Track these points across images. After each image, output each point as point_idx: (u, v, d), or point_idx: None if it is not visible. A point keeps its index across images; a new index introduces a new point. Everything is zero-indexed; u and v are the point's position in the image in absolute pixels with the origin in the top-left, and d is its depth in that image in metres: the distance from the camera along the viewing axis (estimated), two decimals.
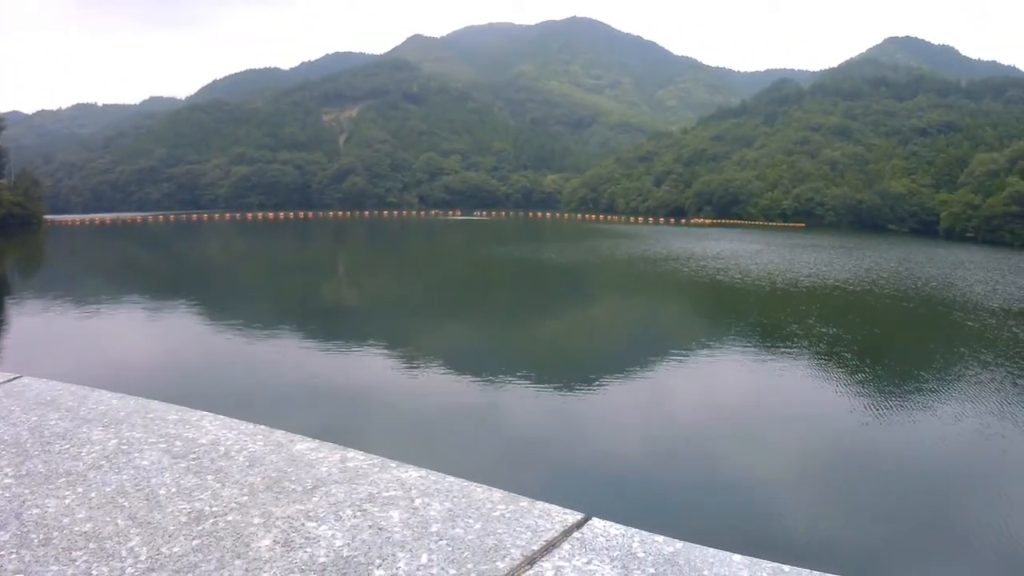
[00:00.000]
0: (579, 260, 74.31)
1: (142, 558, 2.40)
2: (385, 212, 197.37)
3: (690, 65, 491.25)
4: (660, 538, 2.64)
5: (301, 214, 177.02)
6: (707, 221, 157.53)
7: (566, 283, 59.30)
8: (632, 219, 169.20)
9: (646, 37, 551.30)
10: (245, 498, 2.89)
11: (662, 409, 23.63)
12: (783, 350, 32.58)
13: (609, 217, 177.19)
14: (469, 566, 2.40)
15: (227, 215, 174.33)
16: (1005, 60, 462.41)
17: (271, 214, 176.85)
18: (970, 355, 31.71)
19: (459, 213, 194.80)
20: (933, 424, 21.95)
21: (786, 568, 2.42)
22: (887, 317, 43.89)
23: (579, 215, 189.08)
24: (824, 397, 24.86)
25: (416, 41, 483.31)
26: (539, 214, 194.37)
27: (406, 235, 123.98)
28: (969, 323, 40.18)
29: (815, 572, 2.40)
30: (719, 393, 26.05)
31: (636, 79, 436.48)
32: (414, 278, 64.99)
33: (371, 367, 28.13)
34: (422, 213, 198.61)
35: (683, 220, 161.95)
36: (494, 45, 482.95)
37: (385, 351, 31.07)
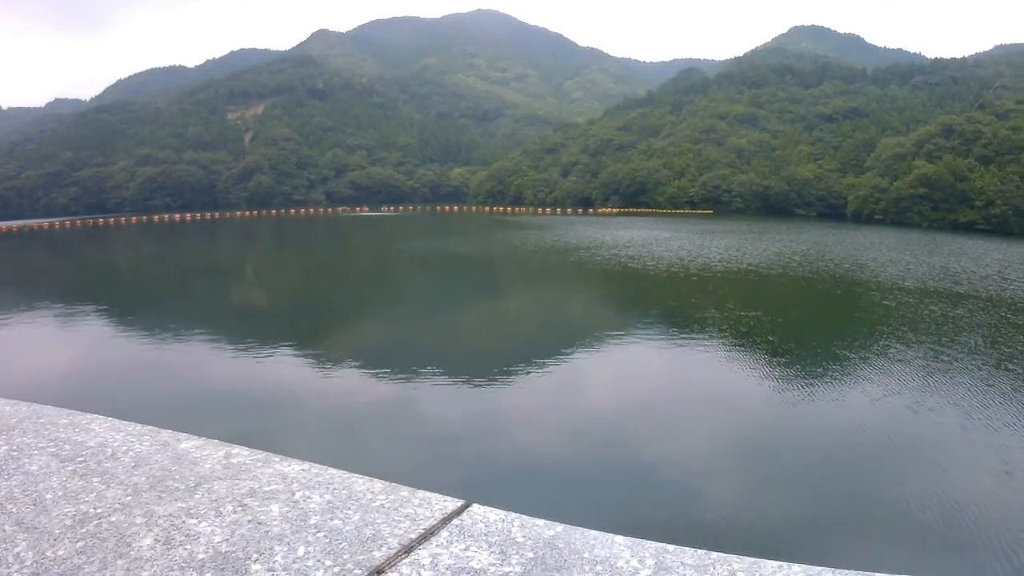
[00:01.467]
0: (489, 252, 74.09)
1: (27, 563, 2.41)
2: (292, 210, 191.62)
3: (596, 56, 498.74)
4: (541, 522, 2.72)
5: (208, 215, 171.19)
6: (615, 210, 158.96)
7: (478, 276, 58.68)
8: (540, 210, 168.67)
9: (552, 29, 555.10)
10: (129, 498, 2.94)
11: (576, 398, 23.62)
12: (702, 335, 32.99)
13: (517, 209, 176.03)
14: (346, 556, 2.46)
15: (133, 218, 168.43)
16: (912, 47, 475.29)
17: (177, 216, 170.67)
18: (892, 333, 32.52)
19: (366, 209, 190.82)
20: (862, 401, 22.50)
21: (670, 548, 2.49)
22: (804, 299, 44.88)
23: (486, 207, 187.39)
24: (746, 380, 25.18)
25: (321, 36, 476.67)
26: (447, 208, 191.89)
27: (313, 233, 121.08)
28: (887, 303, 41.01)
29: (706, 551, 2.46)
30: (639, 380, 26.13)
31: (542, 71, 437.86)
32: (322, 277, 63.04)
33: (276, 366, 27.89)
34: (329, 210, 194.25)
35: (591, 210, 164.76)
36: (400, 39, 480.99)
37: (292, 350, 30.75)
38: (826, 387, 24.32)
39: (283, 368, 27.53)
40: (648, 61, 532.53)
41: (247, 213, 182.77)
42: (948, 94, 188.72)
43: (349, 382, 25.62)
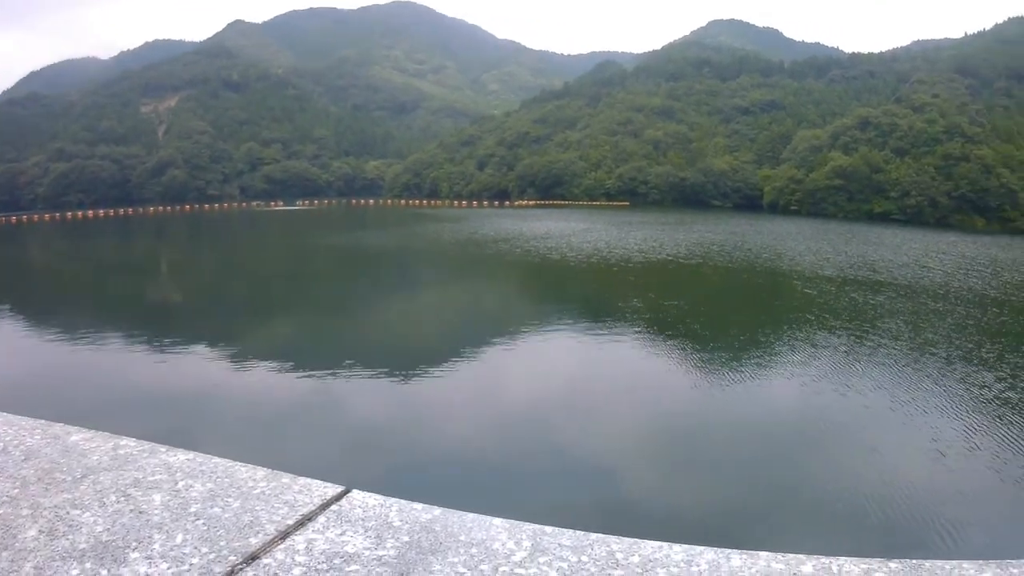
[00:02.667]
0: (406, 245, 72.91)
1: None
2: (206, 205, 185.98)
3: (514, 48, 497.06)
4: (419, 506, 2.81)
5: (121, 211, 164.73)
6: (531, 202, 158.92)
7: (395, 270, 57.03)
8: (456, 203, 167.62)
9: (470, 21, 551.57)
10: (16, 491, 2.96)
11: (493, 390, 23.57)
12: (625, 325, 32.83)
13: (433, 202, 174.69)
14: (222, 543, 2.51)
15: (47, 216, 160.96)
16: (830, 42, 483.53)
17: (91, 212, 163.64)
18: (815, 321, 33.03)
19: (281, 203, 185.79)
20: (791, 387, 22.94)
21: (548, 529, 2.58)
22: (726, 288, 44.87)
23: (402, 201, 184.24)
24: (670, 368, 25.35)
25: (237, 27, 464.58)
26: (362, 201, 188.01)
27: (228, 228, 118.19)
28: (808, 291, 41.54)
29: (584, 532, 2.55)
30: (558, 371, 25.85)
31: (459, 63, 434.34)
32: (235, 273, 60.34)
33: (183, 362, 27.25)
34: (244, 204, 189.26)
35: (507, 203, 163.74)
36: (316, 30, 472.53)
37: (201, 347, 29.94)
38: (754, 374, 24.32)
39: (190, 364, 26.90)
40: (566, 54, 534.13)
41: (161, 209, 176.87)
42: (865, 88, 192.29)
43: (256, 377, 24.89)
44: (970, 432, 18.91)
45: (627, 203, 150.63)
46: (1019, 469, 16.69)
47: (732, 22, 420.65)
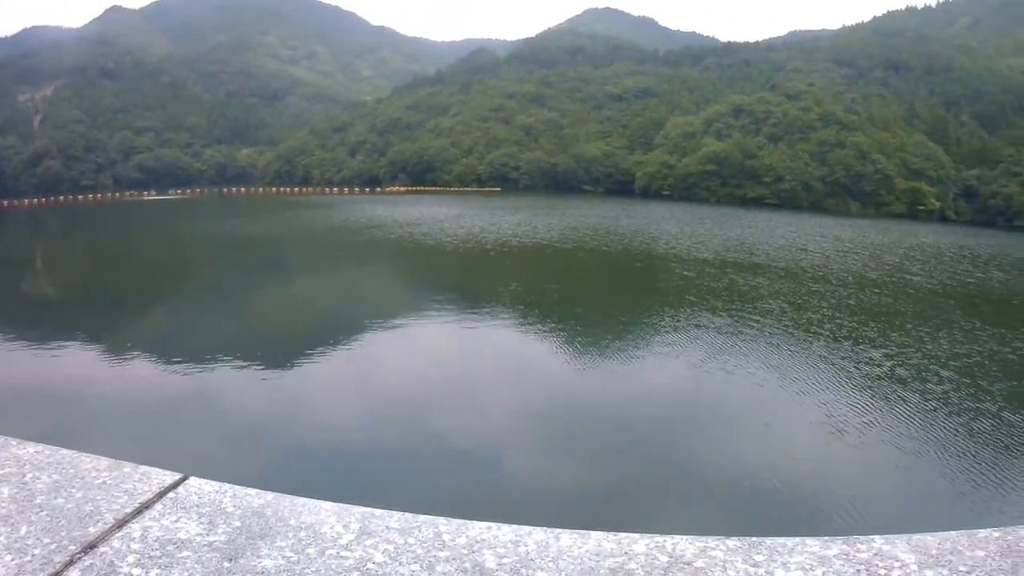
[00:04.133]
0: (279, 233, 70.81)
1: None
2: (80, 196, 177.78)
3: (388, 35, 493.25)
4: (253, 491, 2.88)
5: None
6: (402, 188, 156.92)
7: (268, 258, 54.81)
8: (328, 190, 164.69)
9: (344, 7, 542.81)
10: None
11: (364, 377, 22.80)
12: (504, 309, 32.41)
13: (304, 189, 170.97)
14: (63, 534, 2.54)
15: None
16: (706, 31, 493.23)
17: None
18: (699, 303, 32.89)
19: (153, 193, 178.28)
20: (681, 368, 22.72)
21: (377, 512, 2.66)
22: (605, 272, 44.87)
23: (273, 188, 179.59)
24: (552, 353, 24.86)
25: (115, 13, 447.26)
26: (234, 189, 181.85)
27: (100, 219, 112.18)
28: (688, 273, 41.51)
29: (413, 515, 2.65)
30: (435, 357, 25.16)
31: (333, 49, 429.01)
32: (105, 265, 56.24)
33: (52, 356, 25.61)
34: (117, 195, 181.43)
35: (378, 189, 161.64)
36: (192, 16, 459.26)
37: (71, 341, 27.96)
38: (640, 356, 24.29)
39: (52, 357, 25.39)
40: (440, 41, 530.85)
41: (35, 201, 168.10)
42: (740, 76, 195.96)
43: (117, 368, 23.58)
44: (864, 407, 19.11)
45: (498, 189, 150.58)
46: (914, 443, 16.95)
47: (607, 11, 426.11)
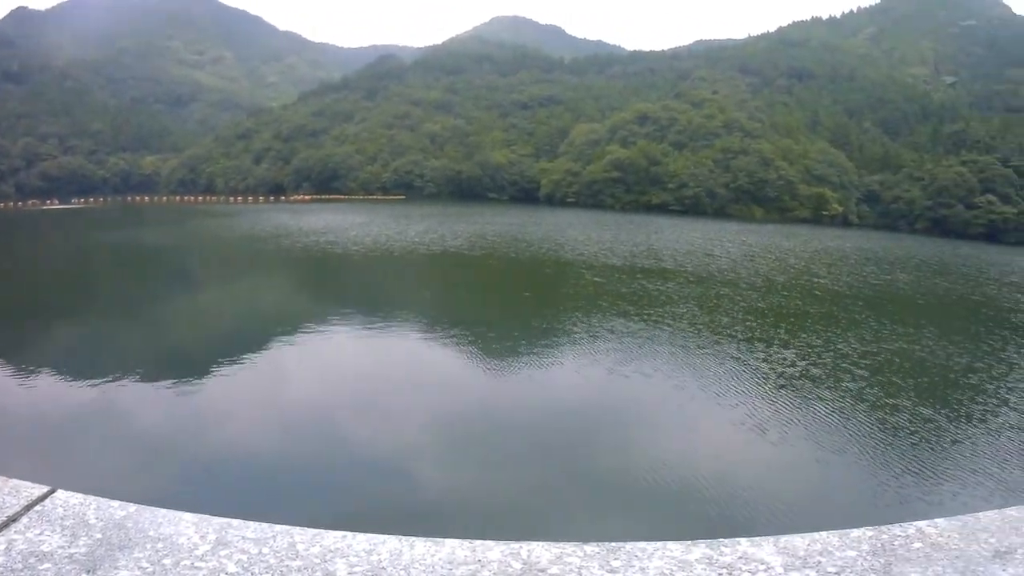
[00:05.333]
0: (182, 243, 68.24)
1: None
2: None
3: (294, 40, 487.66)
4: (116, 503, 2.88)
5: None
6: (307, 197, 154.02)
7: (173, 268, 52.68)
8: (232, 198, 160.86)
9: (252, 11, 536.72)
10: None
11: (261, 388, 22.06)
12: (413, 318, 32.14)
13: (208, 198, 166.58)
14: None
15: None
16: (612, 40, 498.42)
17: None
18: (610, 308, 32.78)
19: (56, 202, 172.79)
20: (598, 372, 22.44)
21: (235, 522, 2.68)
22: (516, 278, 44.67)
23: (178, 197, 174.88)
24: (464, 360, 24.71)
25: (20, 15, 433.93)
26: (138, 198, 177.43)
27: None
28: (598, 279, 41.59)
29: (269, 524, 2.67)
30: (342, 368, 24.78)
31: (239, 54, 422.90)
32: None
33: None
34: (19, 204, 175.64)
35: (282, 197, 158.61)
36: (100, 19, 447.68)
37: None
38: (554, 362, 23.99)
39: None
40: (347, 47, 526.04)
41: None
42: (645, 84, 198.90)
43: (5, 383, 22.44)
44: (781, 406, 19.42)
45: (403, 196, 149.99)
46: (831, 439, 17.14)
47: (515, 19, 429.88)
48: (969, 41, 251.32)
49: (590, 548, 2.32)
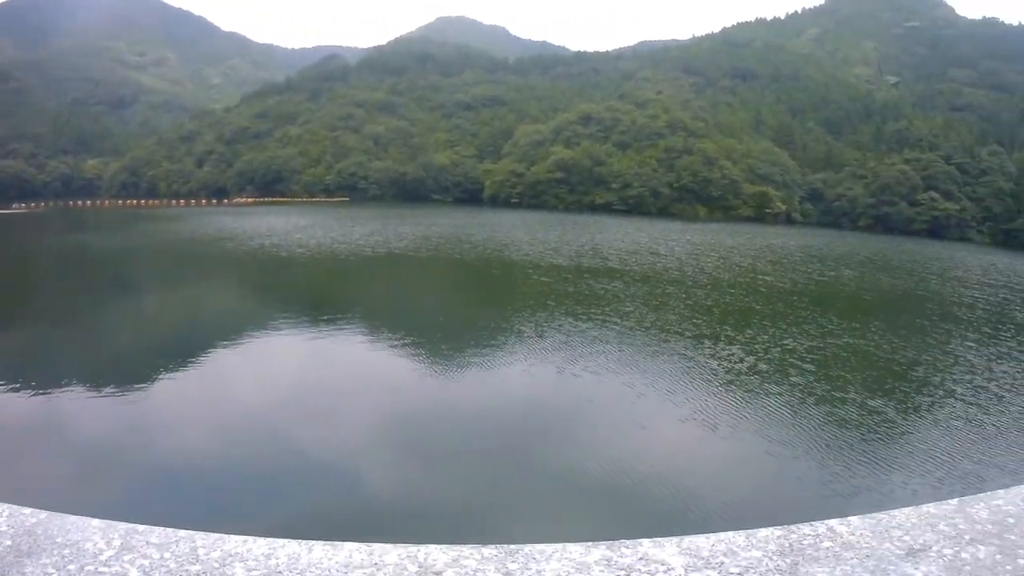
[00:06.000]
0: (127, 247, 66.25)
1: None
2: None
3: (238, 41, 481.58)
4: (28, 510, 2.90)
5: None
6: (250, 200, 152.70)
7: (116, 273, 51.19)
8: (175, 202, 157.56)
9: (195, 12, 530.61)
10: None
11: (203, 394, 21.39)
12: (359, 320, 31.73)
13: (151, 201, 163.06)
14: None
15: None
16: (557, 40, 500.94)
17: None
18: (559, 308, 32.66)
19: None
20: (547, 373, 22.26)
21: (140, 528, 2.70)
22: (462, 280, 45.11)
23: (120, 201, 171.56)
24: (413, 363, 24.15)
25: None
26: (79, 202, 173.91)
27: None
28: (545, 279, 41.49)
29: (174, 530, 2.68)
30: (283, 371, 24.00)
31: (182, 55, 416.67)
32: None
33: None
34: None
35: (225, 200, 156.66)
36: (42, 19, 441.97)
37: None
38: (504, 362, 23.60)
39: None
40: (291, 48, 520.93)
41: None
42: (589, 84, 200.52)
43: None
44: (730, 402, 19.50)
45: (347, 199, 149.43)
46: (781, 434, 17.19)
47: (459, 19, 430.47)
48: (912, 42, 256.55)
49: (488, 551, 2.34)
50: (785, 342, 26.40)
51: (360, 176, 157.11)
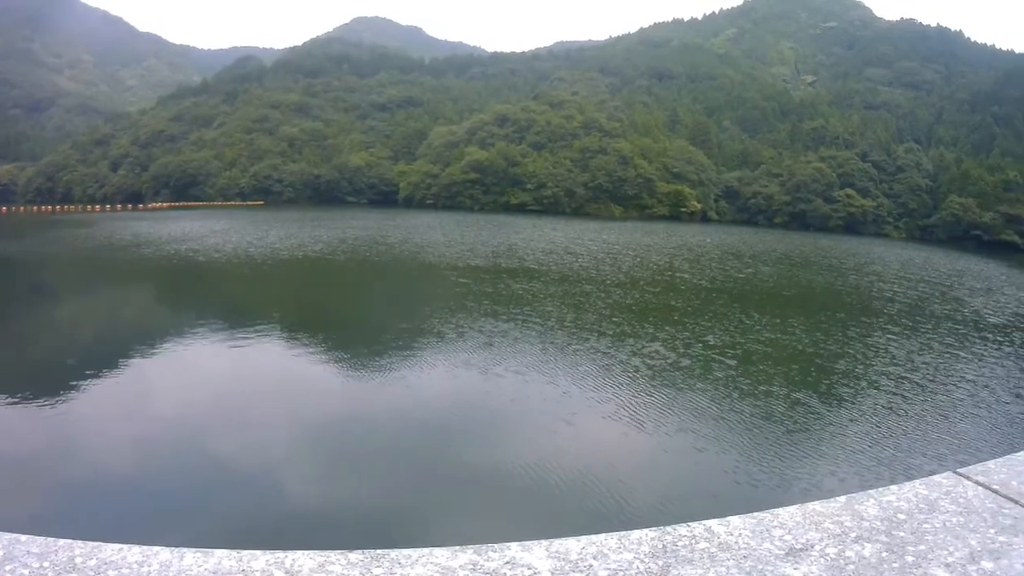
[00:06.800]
0: (39, 254, 63.85)
1: None
2: None
3: (155, 42, 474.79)
4: None
5: None
6: (165, 205, 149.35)
7: (28, 282, 49.00)
8: (90, 207, 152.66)
9: (113, 12, 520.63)
10: None
11: (120, 405, 20.31)
12: (278, 325, 30.66)
13: (66, 207, 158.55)
14: None
15: None
16: (472, 41, 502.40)
17: None
18: (478, 309, 32.48)
19: None
20: (472, 375, 21.98)
21: (22, 538, 2.65)
22: (381, 282, 44.42)
23: (35, 207, 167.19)
24: (331, 367, 23.84)
25: None
26: None
27: None
28: (464, 280, 41.53)
29: (54, 539, 2.63)
30: (200, 379, 23.30)
31: (98, 57, 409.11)
32: None
33: None
34: None
35: (140, 205, 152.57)
36: None
37: None
38: (429, 364, 23.20)
39: None
40: (208, 49, 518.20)
41: None
42: (505, 85, 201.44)
43: None
44: (654, 398, 19.39)
45: (262, 202, 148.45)
46: (708, 428, 17.22)
47: (376, 19, 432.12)
48: (830, 42, 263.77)
49: (354, 556, 2.34)
50: (707, 338, 26.40)
51: (275, 179, 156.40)
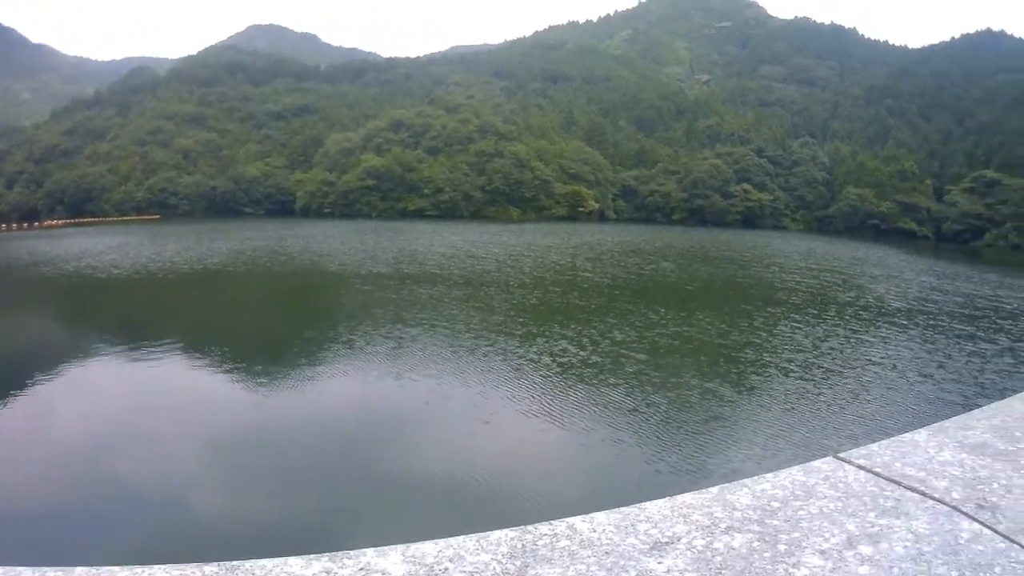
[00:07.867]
0: None
1: None
2: None
3: (48, 54, 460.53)
4: None
5: None
6: (61, 222, 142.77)
7: None
8: None
9: (4, 23, 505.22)
10: None
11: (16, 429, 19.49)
12: (182, 341, 28.96)
13: None
14: None
15: None
16: (367, 47, 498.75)
17: None
18: (386, 315, 32.06)
19: None
20: (385, 382, 21.41)
21: None
22: (283, 293, 43.59)
23: None
24: (234, 381, 22.79)
25: None
26: None
27: None
28: (368, 287, 41.22)
29: None
30: (97, 400, 21.86)
31: None
32: None
33: None
34: None
35: (36, 224, 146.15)
36: None
37: None
38: (339, 373, 22.80)
39: None
40: (102, 60, 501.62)
41: None
42: (400, 91, 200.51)
43: None
44: (567, 394, 19.39)
45: (158, 216, 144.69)
46: (620, 420, 17.13)
47: (271, 27, 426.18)
48: (724, 41, 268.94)
49: (210, 568, 2.28)
50: (614, 334, 26.48)
51: (171, 192, 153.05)
